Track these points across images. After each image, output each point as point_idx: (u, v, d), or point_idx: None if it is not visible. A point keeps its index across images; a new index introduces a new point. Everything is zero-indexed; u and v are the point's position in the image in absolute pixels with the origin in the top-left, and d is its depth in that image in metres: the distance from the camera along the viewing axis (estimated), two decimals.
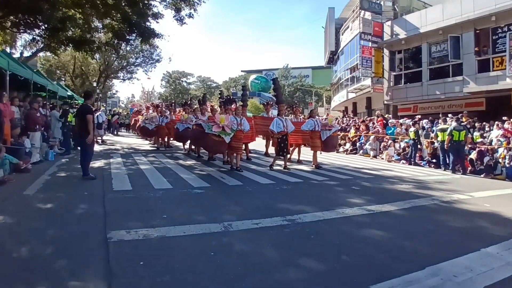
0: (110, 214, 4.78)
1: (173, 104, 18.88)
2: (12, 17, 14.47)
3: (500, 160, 10.84)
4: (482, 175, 10.67)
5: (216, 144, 9.03)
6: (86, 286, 2.83)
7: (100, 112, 17.34)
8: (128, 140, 20.92)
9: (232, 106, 11.48)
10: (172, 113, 15.71)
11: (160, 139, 15.70)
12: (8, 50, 21.63)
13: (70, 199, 5.62)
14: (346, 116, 25.71)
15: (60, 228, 4.20)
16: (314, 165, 10.51)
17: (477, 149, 11.51)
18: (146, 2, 16.47)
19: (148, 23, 17.24)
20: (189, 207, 5.40)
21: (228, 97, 12.49)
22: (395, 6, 24.33)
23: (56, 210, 5.08)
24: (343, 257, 3.61)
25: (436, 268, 3.41)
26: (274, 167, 9.76)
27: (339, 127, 11.14)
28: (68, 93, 19.72)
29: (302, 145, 12.39)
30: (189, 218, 4.76)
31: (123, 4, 15.73)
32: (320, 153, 11.31)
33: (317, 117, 11.63)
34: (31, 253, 3.47)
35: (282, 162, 10.09)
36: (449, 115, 12.63)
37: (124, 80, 44.55)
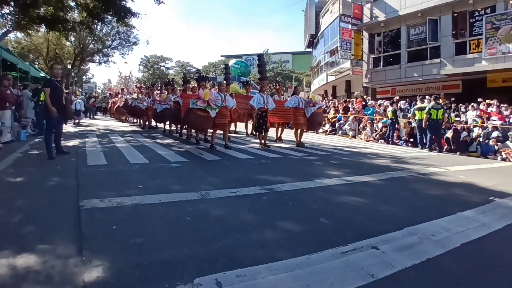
0: (83, 185, 4.62)
1: (153, 86, 18.47)
2: None
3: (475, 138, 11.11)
4: (457, 153, 10.88)
5: (202, 119, 8.69)
6: (55, 249, 2.70)
7: (79, 100, 16.84)
8: (104, 122, 20.45)
9: (207, 83, 11.39)
10: (154, 94, 15.37)
11: (147, 120, 15.39)
12: None
13: (42, 174, 5.42)
14: (326, 98, 25.80)
15: (30, 199, 4.04)
16: (297, 144, 10.28)
17: (453, 127, 11.73)
18: None
19: (123, 2, 16.71)
20: (166, 178, 5.28)
21: (202, 74, 12.18)
22: None
23: (27, 183, 4.88)
24: (321, 219, 3.60)
25: (413, 228, 3.44)
26: (253, 145, 9.67)
27: (324, 104, 10.95)
28: (42, 74, 18.98)
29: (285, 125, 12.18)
30: (165, 187, 4.66)
31: None
32: (305, 131, 11.10)
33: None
34: None
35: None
36: (427, 97, 12.77)
37: (100, 63, 43.37)
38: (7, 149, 7.76)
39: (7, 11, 15.38)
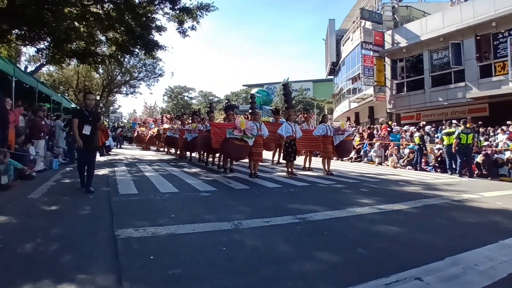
0: (117, 214, 4.68)
1: (183, 116, 18.85)
2: (17, 30, 14.59)
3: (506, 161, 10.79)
4: (489, 178, 10.56)
5: (239, 148, 8.70)
6: (94, 280, 2.71)
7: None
8: (131, 151, 20.89)
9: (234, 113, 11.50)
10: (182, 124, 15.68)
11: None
12: None
13: (75, 202, 5.53)
14: (349, 125, 25.68)
15: (65, 227, 4.11)
16: (325, 172, 10.17)
17: (483, 152, 11.43)
18: (149, 15, 16.58)
19: (151, 36, 17.35)
20: (197, 208, 5.29)
21: (230, 104, 12.36)
22: (395, 16, 24.47)
23: (61, 211, 4.99)
24: (359, 250, 3.51)
25: (456, 258, 3.30)
26: (280, 173, 9.64)
27: (352, 131, 10.84)
28: (72, 105, 19.74)
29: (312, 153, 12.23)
30: (198, 217, 4.66)
31: (126, 17, 15.85)
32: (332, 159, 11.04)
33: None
34: (35, 250, 3.38)
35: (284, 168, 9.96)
36: (454, 121, 12.54)
37: (127, 94, 44.73)
38: (41, 178, 8.01)
39: (43, 46, 16.16)
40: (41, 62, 20.69)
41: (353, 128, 21.16)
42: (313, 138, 10.72)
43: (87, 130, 6.39)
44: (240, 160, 10.56)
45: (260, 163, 10.09)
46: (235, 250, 3.43)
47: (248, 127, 8.65)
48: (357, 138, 17.54)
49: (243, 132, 8.53)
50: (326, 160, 10.39)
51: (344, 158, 12.74)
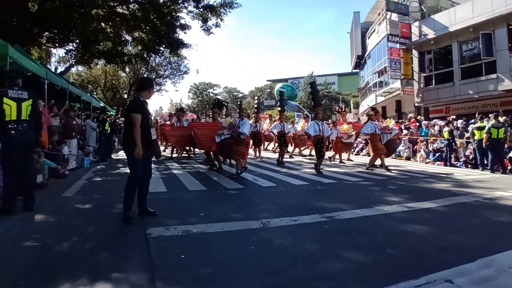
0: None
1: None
2: (47, 33, 15.10)
3: None
4: None
5: (231, 146, 8.77)
6: (129, 278, 2.82)
7: None
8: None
9: (223, 110, 11.60)
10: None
11: None
12: None
13: (107, 200, 5.71)
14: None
15: (99, 226, 4.27)
16: (384, 168, 10.30)
17: None
18: (174, 14, 16.83)
19: (176, 34, 17.60)
20: (225, 206, 5.38)
21: (218, 100, 12.06)
22: (422, 7, 23.83)
23: (95, 209, 5.18)
24: (388, 250, 3.49)
25: (488, 260, 3.23)
26: (307, 169, 9.63)
27: (398, 130, 10.85)
28: (101, 105, 20.32)
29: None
30: (226, 215, 4.74)
31: (151, 16, 16.14)
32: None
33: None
34: (72, 248, 3.53)
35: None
36: (490, 115, 12.04)
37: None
38: (73, 176, 8.30)
39: (72, 47, 16.68)
40: (70, 62, 21.32)
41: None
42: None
43: (153, 133, 4.66)
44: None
45: (286, 159, 10.04)
46: (264, 249, 3.48)
47: (234, 124, 8.70)
48: None
49: (231, 130, 8.63)
50: (376, 157, 10.57)
51: (390, 155, 12.67)
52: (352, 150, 15.59)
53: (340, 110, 15.62)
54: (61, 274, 2.88)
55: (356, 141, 15.46)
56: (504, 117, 13.38)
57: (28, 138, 4.90)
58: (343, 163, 12.48)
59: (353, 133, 12.80)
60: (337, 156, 13.03)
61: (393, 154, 13.09)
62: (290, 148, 15.40)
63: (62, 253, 3.38)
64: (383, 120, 11.94)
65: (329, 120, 14.45)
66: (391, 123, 11.22)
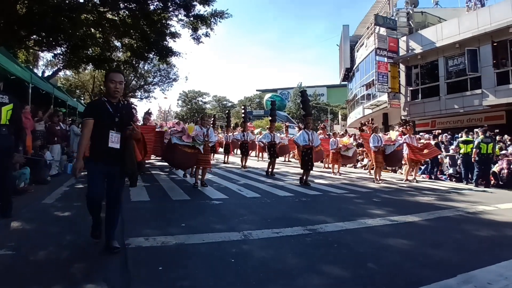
0: (127, 222, 4.71)
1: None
2: (35, 36, 14.92)
3: None
4: (506, 189, 10.31)
5: (190, 156, 8.16)
6: None
7: None
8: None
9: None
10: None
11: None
12: None
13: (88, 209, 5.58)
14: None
15: (77, 234, 4.15)
16: (376, 181, 10.48)
17: (505, 159, 11.17)
18: (164, 22, 16.79)
19: (165, 42, 17.54)
20: (208, 216, 5.32)
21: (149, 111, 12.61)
22: (410, 22, 24.21)
23: (74, 217, 5.07)
24: (369, 264, 3.46)
25: (468, 275, 3.23)
26: (292, 181, 9.61)
27: (402, 141, 10.91)
28: None
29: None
30: (208, 226, 4.68)
31: (141, 24, 16.08)
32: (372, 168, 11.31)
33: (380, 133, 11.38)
34: (47, 257, 3.45)
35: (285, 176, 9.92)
36: (476, 130, 12.15)
37: (141, 99, 45.06)
38: (55, 182, 8.14)
39: (60, 51, 16.50)
40: (58, 67, 21.10)
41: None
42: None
43: (113, 139, 3.55)
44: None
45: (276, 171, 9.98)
46: (243, 262, 3.42)
47: (196, 133, 8.20)
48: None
49: (192, 139, 8.11)
50: (372, 170, 10.76)
51: (395, 166, 12.86)
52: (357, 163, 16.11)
53: (323, 127, 16.51)
54: (32, 283, 2.81)
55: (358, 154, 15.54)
56: (490, 132, 13.59)
57: (7, 143, 4.78)
58: (334, 173, 12.77)
59: (354, 144, 12.93)
60: (330, 164, 13.29)
61: (399, 165, 13.24)
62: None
63: (36, 263, 3.29)
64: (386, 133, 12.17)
65: (319, 126, 14.72)
66: (394, 135, 11.36)
